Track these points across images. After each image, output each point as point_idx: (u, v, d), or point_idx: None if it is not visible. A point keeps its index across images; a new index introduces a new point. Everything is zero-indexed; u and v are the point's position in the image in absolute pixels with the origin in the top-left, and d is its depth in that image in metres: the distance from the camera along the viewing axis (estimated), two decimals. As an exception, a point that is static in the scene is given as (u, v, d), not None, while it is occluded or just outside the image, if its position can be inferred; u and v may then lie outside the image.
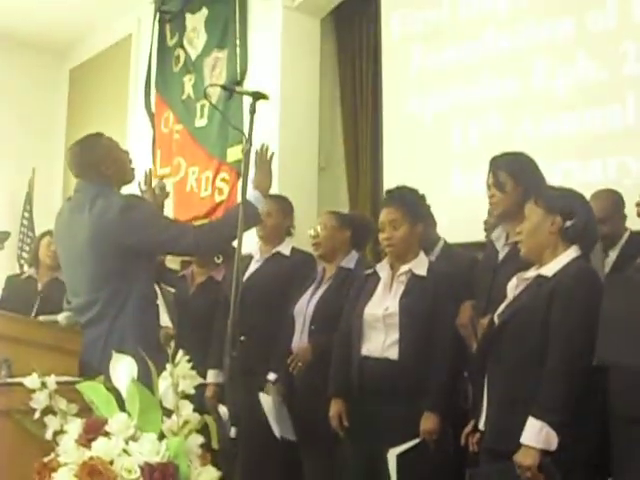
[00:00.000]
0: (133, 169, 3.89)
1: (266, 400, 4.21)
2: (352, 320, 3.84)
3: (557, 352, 2.88)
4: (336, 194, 7.01)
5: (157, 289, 4.38)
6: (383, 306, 3.75)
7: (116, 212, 3.54)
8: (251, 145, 3.35)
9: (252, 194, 3.65)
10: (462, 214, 5.49)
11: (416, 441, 3.58)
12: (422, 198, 3.98)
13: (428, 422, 3.59)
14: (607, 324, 2.79)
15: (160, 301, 4.43)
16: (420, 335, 3.66)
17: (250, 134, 3.35)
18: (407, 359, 3.64)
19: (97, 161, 3.71)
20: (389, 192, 3.99)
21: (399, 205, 3.83)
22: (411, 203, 3.88)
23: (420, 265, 3.81)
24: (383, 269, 3.87)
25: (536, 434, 2.84)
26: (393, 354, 3.66)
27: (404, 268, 3.79)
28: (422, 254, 3.88)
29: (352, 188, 6.92)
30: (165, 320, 4.88)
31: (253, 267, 4.60)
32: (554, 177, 4.81)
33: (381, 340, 3.71)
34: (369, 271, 3.96)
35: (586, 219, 3.13)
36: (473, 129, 5.91)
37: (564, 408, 2.85)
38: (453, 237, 4.88)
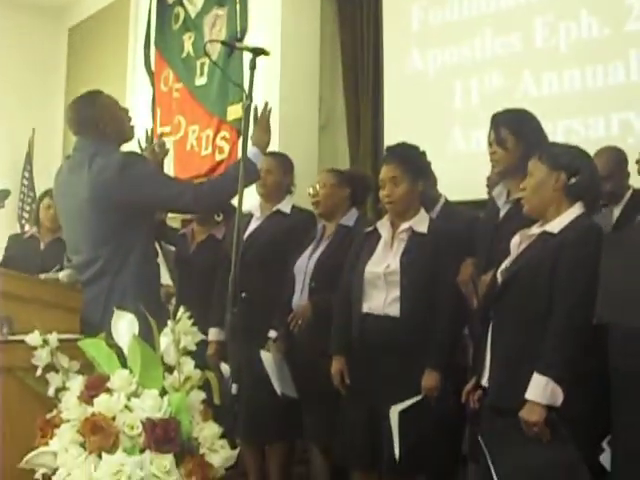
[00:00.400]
0: (132, 127, 3.87)
1: (267, 357, 4.22)
2: (353, 278, 3.84)
3: (562, 308, 2.89)
4: (336, 152, 6.98)
5: (158, 247, 4.38)
6: (384, 264, 3.74)
7: (115, 169, 3.53)
8: (251, 101, 3.34)
9: (251, 150, 3.64)
10: (463, 172, 5.48)
11: (418, 398, 3.60)
12: (423, 155, 3.96)
13: (429, 379, 3.60)
14: (606, 283, 2.79)
15: (161, 259, 4.42)
16: (421, 292, 3.66)
17: (250, 90, 3.34)
18: (408, 316, 3.64)
19: (96, 118, 3.70)
20: (390, 148, 3.97)
21: (400, 162, 3.80)
22: (412, 160, 3.86)
23: (421, 222, 3.80)
24: (383, 227, 3.86)
25: (541, 390, 2.85)
26: (394, 311, 3.67)
27: (404, 225, 3.78)
28: (423, 211, 3.86)
29: (353, 146, 6.88)
30: (166, 278, 4.88)
31: (253, 225, 4.58)
32: (557, 134, 4.83)
33: (382, 297, 3.71)
34: (369, 229, 3.95)
35: (590, 176, 3.12)
36: (475, 86, 5.88)
37: (569, 364, 2.86)
38: (454, 195, 4.85)
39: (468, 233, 3.86)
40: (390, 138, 5.86)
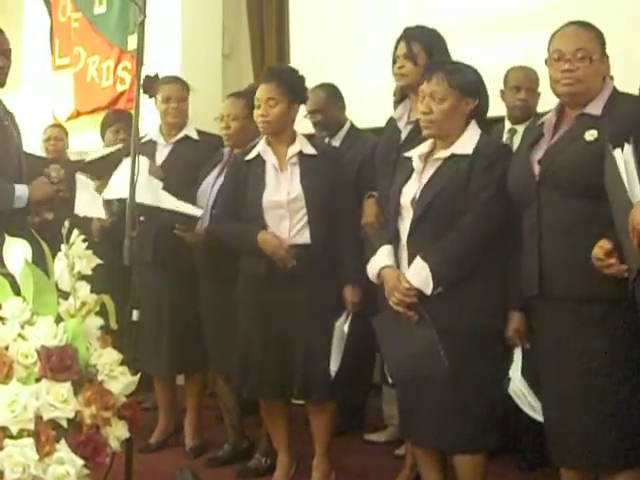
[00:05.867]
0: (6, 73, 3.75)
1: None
2: (249, 209, 3.74)
3: (473, 213, 3.03)
4: (241, 81, 6.84)
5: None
6: (284, 192, 3.67)
7: None
8: (145, 17, 3.15)
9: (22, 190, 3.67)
10: (373, 99, 5.40)
11: (346, 319, 3.62)
12: (301, 78, 3.85)
13: (354, 294, 3.63)
14: None
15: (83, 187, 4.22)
16: (326, 215, 3.65)
17: (144, 4, 3.15)
18: (319, 241, 3.63)
19: None
20: (270, 69, 3.89)
21: (279, 82, 3.71)
22: (291, 81, 3.76)
23: (306, 145, 3.75)
24: (267, 153, 3.76)
25: (416, 272, 3.03)
26: (305, 239, 3.63)
27: (294, 149, 3.71)
28: (301, 135, 3.81)
29: (258, 75, 6.72)
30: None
31: (163, 152, 4.43)
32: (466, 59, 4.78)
33: (287, 227, 3.65)
34: (250, 156, 3.81)
35: (487, 98, 3.27)
36: (386, 11, 5.76)
37: (454, 264, 3.04)
38: (363, 122, 4.84)
39: (369, 158, 3.93)
40: (296, 66, 5.74)
